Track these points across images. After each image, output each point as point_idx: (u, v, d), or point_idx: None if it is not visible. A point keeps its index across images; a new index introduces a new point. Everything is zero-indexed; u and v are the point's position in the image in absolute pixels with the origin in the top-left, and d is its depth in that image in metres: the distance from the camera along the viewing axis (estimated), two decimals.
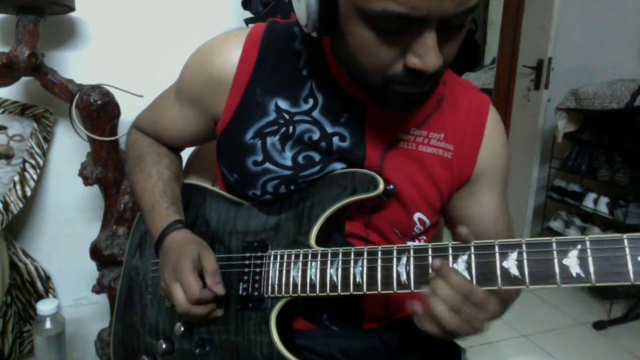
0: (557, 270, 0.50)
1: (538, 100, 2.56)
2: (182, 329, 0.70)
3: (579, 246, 0.49)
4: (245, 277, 0.68)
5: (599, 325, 2.07)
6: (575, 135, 2.45)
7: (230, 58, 0.69)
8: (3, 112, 1.36)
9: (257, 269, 0.68)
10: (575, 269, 0.49)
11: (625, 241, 0.47)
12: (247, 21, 1.38)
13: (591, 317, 2.14)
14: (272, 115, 0.68)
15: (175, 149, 0.86)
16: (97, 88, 1.24)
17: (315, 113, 0.68)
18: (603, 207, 2.30)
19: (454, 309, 0.52)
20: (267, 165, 0.69)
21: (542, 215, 2.67)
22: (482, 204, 0.73)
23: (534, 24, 2.52)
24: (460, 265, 0.54)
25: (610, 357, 1.90)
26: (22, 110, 1.38)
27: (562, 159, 2.53)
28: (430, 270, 0.56)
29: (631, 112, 2.03)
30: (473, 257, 0.54)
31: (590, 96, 2.20)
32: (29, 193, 1.39)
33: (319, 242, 0.66)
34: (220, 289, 0.64)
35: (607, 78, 2.28)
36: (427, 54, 0.51)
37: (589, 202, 2.37)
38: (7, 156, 1.37)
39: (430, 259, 0.56)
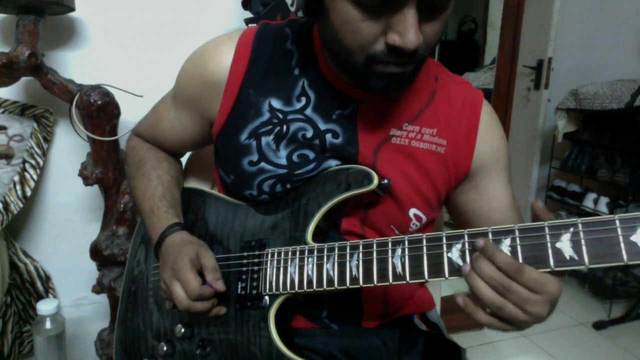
0: (550, 253, 0.50)
1: (538, 100, 2.56)
2: (183, 330, 0.70)
3: (571, 229, 0.49)
4: (244, 277, 0.69)
5: (599, 325, 2.08)
6: (575, 135, 2.45)
7: (223, 60, 0.70)
8: (3, 112, 1.36)
9: (255, 268, 0.68)
10: (568, 252, 0.49)
11: (617, 222, 0.47)
12: (247, 21, 1.38)
13: (591, 317, 2.14)
14: (266, 115, 0.69)
15: (174, 154, 0.86)
16: (97, 88, 1.24)
17: (308, 111, 0.68)
18: (603, 207, 2.30)
19: (500, 288, 0.50)
20: (263, 165, 0.69)
21: None
22: (490, 195, 0.73)
23: (534, 24, 2.52)
24: (454, 254, 0.54)
25: (610, 357, 1.90)
26: (22, 110, 1.38)
27: (562, 159, 2.54)
28: (465, 260, 0.54)
29: (631, 112, 2.04)
30: (467, 245, 0.54)
31: (590, 96, 2.20)
32: (29, 193, 1.39)
33: (315, 239, 0.66)
34: (220, 285, 0.65)
35: (607, 78, 2.28)
36: (407, 30, 0.51)
37: (589, 202, 2.37)
38: (7, 156, 1.37)
39: (424, 249, 0.56)
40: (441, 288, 1.09)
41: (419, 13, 0.52)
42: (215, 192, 0.80)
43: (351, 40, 0.55)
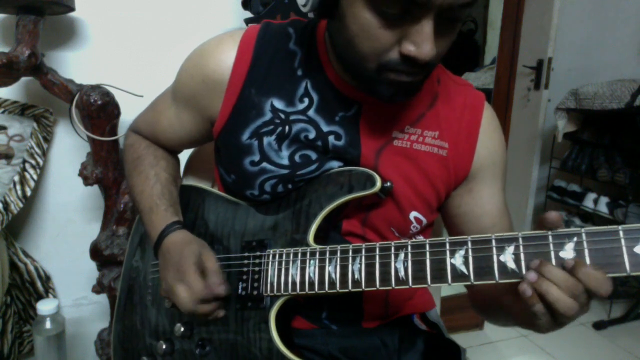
0: (554, 263, 0.50)
1: (538, 100, 2.56)
2: (182, 329, 0.70)
3: (575, 238, 0.49)
4: (244, 277, 0.68)
5: (599, 325, 2.08)
6: (575, 135, 2.45)
7: (225, 59, 0.69)
8: (3, 112, 1.36)
9: (256, 268, 0.68)
10: None
11: (621, 232, 0.47)
12: (247, 21, 1.38)
13: (591, 317, 2.14)
14: (268, 115, 0.69)
15: (172, 152, 0.86)
16: (97, 88, 1.24)
17: (311, 112, 0.68)
18: (603, 207, 2.30)
19: (570, 291, 0.48)
20: (264, 165, 0.69)
21: None
22: (483, 200, 0.73)
23: (534, 24, 2.52)
24: (457, 260, 0.54)
25: (610, 357, 1.90)
26: (22, 110, 1.38)
27: (562, 159, 2.54)
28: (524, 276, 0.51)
29: (631, 112, 2.04)
30: (470, 251, 0.54)
31: (590, 96, 2.20)
32: (29, 193, 1.39)
33: (317, 240, 0.66)
34: (222, 289, 0.65)
35: (607, 78, 2.28)
36: (423, 42, 0.52)
37: (589, 202, 2.37)
38: (7, 156, 1.37)
39: (428, 254, 0.56)
40: (441, 288, 1.09)
41: (435, 25, 0.52)
42: (215, 190, 0.80)
43: (366, 47, 0.55)
